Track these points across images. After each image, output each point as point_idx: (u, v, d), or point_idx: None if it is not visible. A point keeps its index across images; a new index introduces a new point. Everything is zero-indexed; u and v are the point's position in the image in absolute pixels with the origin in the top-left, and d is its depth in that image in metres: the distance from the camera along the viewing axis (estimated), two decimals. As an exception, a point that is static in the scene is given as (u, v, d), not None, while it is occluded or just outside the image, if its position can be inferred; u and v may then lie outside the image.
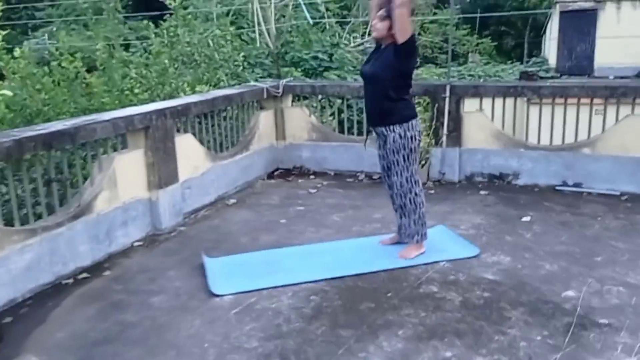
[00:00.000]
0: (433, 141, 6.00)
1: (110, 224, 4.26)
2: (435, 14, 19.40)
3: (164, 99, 6.19)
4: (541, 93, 5.84)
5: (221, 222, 4.99)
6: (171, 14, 8.04)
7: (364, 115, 5.50)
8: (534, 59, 19.55)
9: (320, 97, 6.92)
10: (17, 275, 3.54)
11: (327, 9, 13.70)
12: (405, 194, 3.99)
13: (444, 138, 5.93)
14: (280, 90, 6.47)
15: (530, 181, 5.79)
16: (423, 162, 5.98)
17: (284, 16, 12.56)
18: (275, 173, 6.53)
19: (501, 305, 3.38)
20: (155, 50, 6.88)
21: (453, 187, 5.89)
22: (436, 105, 5.94)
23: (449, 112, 5.89)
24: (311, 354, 2.92)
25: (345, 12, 16.65)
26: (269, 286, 3.67)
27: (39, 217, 3.87)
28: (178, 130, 5.09)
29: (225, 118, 5.92)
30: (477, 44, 20.32)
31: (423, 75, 14.29)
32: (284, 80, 6.70)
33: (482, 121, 5.92)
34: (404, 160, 3.94)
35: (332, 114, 7.35)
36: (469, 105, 6.03)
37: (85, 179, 4.26)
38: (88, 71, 6.46)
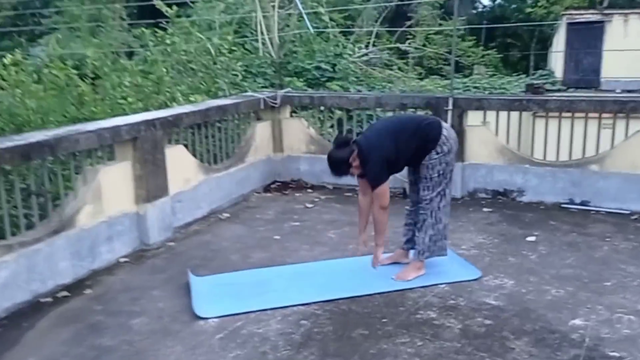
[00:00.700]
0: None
1: (94, 239, 4.07)
2: (440, 24, 19.20)
3: (160, 108, 6.02)
4: (547, 107, 5.64)
5: (212, 238, 4.79)
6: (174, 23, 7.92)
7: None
8: (540, 71, 19.34)
9: (321, 107, 6.73)
10: (-9, 293, 3.36)
11: (331, 19, 13.54)
12: (433, 210, 3.80)
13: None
14: (278, 101, 6.29)
15: (535, 198, 5.57)
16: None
17: (288, 25, 12.42)
18: (272, 186, 6.33)
19: (503, 334, 3.16)
20: (151, 58, 6.73)
21: (455, 203, 5.60)
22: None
23: (452, 126, 5.67)
24: (297, 387, 2.72)
25: (349, 23, 16.50)
26: (257, 309, 3.48)
27: (16, 231, 3.68)
28: (169, 142, 4.91)
29: (220, 129, 5.74)
30: (483, 56, 20.09)
31: (427, 87, 14.08)
32: (282, 91, 6.51)
33: (486, 135, 5.72)
34: (439, 175, 3.76)
35: (332, 125, 7.15)
36: (473, 118, 5.83)
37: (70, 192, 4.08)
38: (92, 78, 6.30)
